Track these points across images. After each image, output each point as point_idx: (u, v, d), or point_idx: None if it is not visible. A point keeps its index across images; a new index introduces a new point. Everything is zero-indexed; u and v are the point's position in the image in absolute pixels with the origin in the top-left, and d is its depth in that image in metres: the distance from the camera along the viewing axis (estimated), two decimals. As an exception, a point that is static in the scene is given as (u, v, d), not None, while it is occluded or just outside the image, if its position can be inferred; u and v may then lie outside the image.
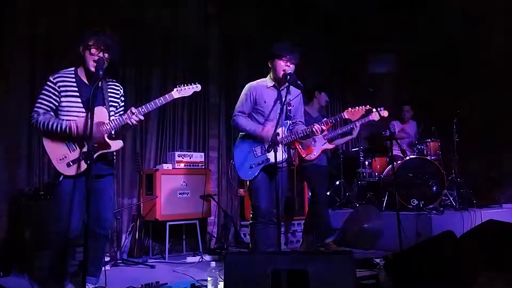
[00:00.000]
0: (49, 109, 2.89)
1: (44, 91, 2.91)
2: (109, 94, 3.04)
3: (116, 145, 2.97)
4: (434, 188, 5.07)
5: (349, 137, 4.99)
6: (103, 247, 3.14)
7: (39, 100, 2.90)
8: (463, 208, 4.97)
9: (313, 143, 4.50)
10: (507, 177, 5.81)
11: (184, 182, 4.81)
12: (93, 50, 2.85)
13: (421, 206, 4.82)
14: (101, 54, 2.85)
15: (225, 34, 5.75)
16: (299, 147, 4.47)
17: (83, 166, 2.85)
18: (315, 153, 4.49)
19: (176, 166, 4.83)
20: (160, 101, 2.98)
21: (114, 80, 3.15)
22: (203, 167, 5.09)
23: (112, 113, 3.03)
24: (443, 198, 5.23)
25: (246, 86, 3.46)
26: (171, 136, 5.27)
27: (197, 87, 3.08)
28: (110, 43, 2.88)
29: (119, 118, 2.94)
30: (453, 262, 2.93)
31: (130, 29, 4.95)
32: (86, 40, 2.87)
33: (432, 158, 5.41)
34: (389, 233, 4.30)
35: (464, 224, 4.58)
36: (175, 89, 3.03)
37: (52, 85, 2.89)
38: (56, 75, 2.92)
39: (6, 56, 4.23)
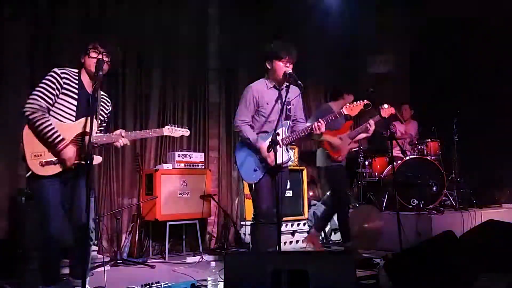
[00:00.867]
0: (51, 102, 2.76)
1: (47, 82, 2.76)
2: (100, 107, 3.02)
3: (95, 160, 2.93)
4: (434, 188, 5.07)
5: (365, 135, 4.98)
6: (88, 251, 3.04)
7: (41, 90, 2.74)
8: (463, 208, 4.98)
9: (341, 143, 4.43)
10: (506, 177, 5.81)
11: (184, 182, 4.81)
12: (93, 54, 2.84)
13: (421, 206, 4.82)
14: (100, 56, 2.84)
15: (225, 34, 5.75)
16: (330, 149, 4.42)
17: (55, 169, 2.77)
18: (344, 153, 4.48)
19: (176, 166, 4.83)
20: (150, 133, 3.12)
21: (106, 95, 3.12)
22: (203, 167, 5.09)
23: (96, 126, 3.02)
24: (443, 198, 5.23)
25: (247, 88, 3.40)
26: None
27: (186, 132, 3.21)
28: (109, 46, 2.87)
29: (104, 136, 2.93)
30: (453, 262, 2.93)
31: (130, 29, 4.96)
32: (86, 44, 2.86)
33: (432, 158, 5.41)
34: (389, 233, 4.30)
35: (464, 224, 4.58)
36: (166, 127, 3.13)
37: (58, 78, 2.78)
38: (63, 70, 2.83)
39: (6, 57, 4.23)
